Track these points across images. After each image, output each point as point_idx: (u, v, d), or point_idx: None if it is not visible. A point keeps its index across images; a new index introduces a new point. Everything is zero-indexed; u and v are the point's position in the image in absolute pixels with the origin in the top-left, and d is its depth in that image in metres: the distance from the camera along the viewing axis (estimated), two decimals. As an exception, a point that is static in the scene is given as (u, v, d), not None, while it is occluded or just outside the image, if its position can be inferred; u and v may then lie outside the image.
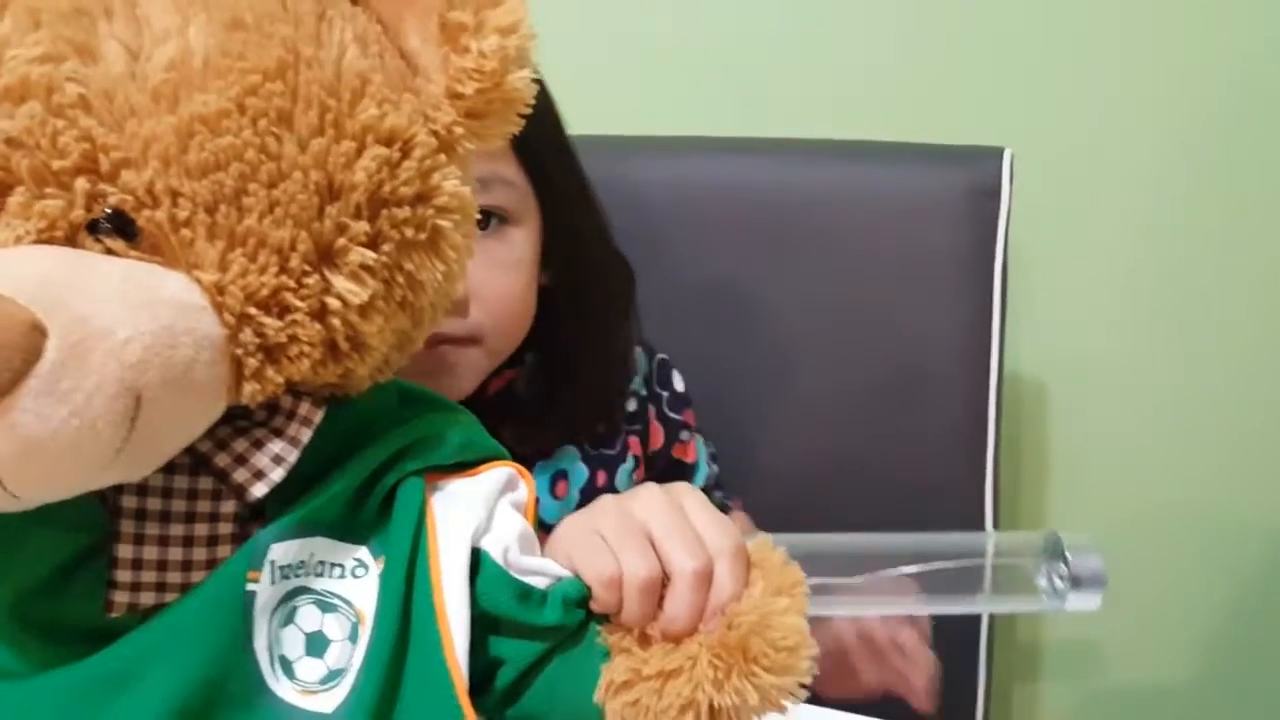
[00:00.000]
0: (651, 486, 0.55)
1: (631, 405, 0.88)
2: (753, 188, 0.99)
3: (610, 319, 0.84)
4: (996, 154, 0.97)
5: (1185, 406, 1.14)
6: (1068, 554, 0.57)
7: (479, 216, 0.72)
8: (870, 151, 1.01)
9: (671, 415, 0.90)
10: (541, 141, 0.77)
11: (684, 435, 0.92)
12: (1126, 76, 1.06)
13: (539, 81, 0.75)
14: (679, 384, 0.92)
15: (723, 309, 0.92)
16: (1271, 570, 1.16)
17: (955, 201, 0.96)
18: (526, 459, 0.81)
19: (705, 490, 0.69)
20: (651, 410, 0.90)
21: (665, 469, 0.91)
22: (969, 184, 0.97)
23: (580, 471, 0.84)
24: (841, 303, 0.97)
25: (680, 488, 0.55)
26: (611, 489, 0.84)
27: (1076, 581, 0.57)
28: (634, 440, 0.87)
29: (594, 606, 0.51)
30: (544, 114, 0.77)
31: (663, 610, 0.50)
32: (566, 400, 0.83)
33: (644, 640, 0.50)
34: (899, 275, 0.97)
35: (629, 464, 0.87)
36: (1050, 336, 1.15)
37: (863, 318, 0.97)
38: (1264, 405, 1.11)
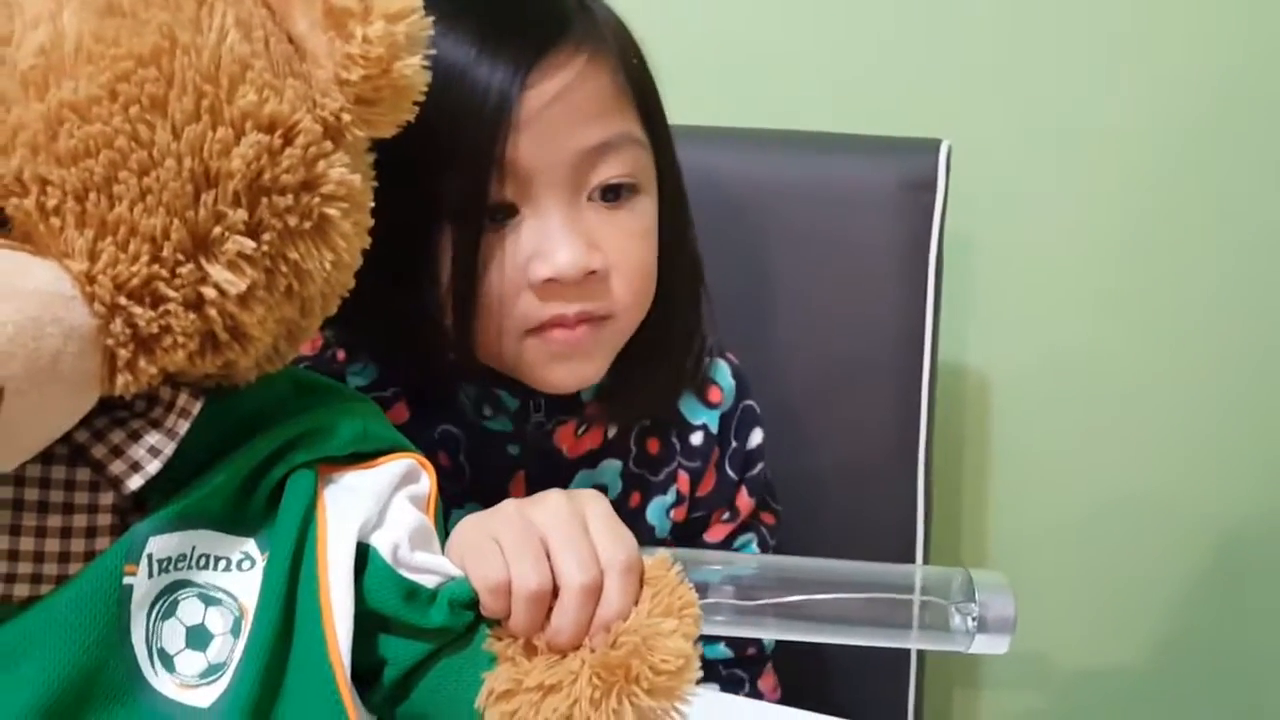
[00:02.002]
0: (557, 493, 0.54)
1: (697, 439, 0.80)
2: (686, 177, 0.98)
3: (685, 310, 0.78)
4: (933, 145, 0.96)
5: (1132, 400, 1.13)
6: (977, 594, 0.56)
7: (610, 189, 0.68)
8: (806, 142, 1.00)
9: (729, 473, 0.81)
10: (655, 104, 0.73)
11: (726, 516, 0.82)
12: (1066, 67, 1.06)
13: (638, 47, 0.71)
14: (754, 441, 0.82)
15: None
16: (1219, 569, 1.15)
17: (891, 193, 0.96)
18: (571, 465, 0.77)
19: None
20: (715, 453, 0.80)
21: (695, 526, 0.81)
22: (905, 175, 0.96)
23: (616, 487, 0.78)
24: (775, 292, 0.96)
25: (586, 495, 0.54)
26: (641, 514, 0.78)
27: (983, 624, 0.56)
28: (684, 476, 0.79)
29: (482, 612, 0.50)
30: (650, 79, 0.73)
31: (549, 622, 0.50)
32: (631, 386, 0.76)
33: (530, 650, 0.50)
34: (834, 266, 0.96)
35: (669, 498, 0.79)
36: (996, 330, 1.14)
37: (797, 307, 0.96)
38: (1211, 397, 1.11)
